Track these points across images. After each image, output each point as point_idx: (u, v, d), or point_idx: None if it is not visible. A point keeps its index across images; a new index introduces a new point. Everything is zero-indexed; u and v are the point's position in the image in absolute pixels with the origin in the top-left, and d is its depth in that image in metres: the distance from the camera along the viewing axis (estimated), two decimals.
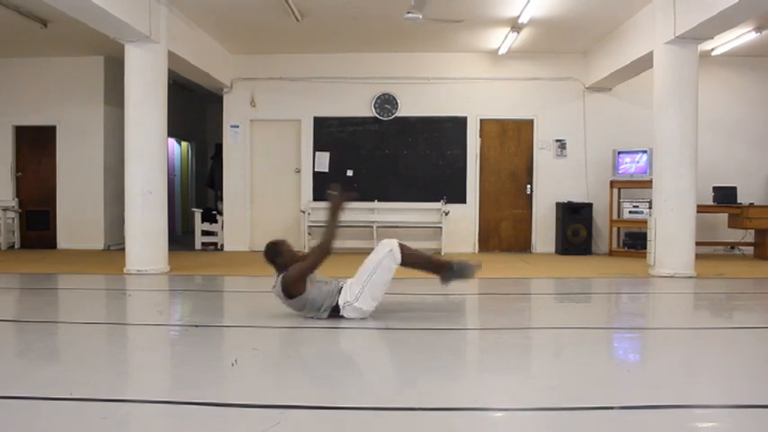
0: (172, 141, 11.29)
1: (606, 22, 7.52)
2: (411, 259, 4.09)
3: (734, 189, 8.34)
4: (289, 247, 4.13)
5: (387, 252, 4.00)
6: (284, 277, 3.94)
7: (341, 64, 9.16)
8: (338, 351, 3.63)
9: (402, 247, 4.05)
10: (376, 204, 9.08)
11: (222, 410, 2.46)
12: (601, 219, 8.90)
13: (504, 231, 9.27)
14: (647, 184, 7.47)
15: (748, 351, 3.60)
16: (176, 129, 9.50)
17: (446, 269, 4.18)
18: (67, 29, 7.27)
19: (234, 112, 9.31)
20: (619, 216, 8.62)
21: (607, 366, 3.32)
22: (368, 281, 3.97)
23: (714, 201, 8.32)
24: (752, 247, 8.56)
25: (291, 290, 3.94)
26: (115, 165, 8.71)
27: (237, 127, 9.31)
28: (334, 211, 3.97)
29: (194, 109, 12.17)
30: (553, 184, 9.03)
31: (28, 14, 6.96)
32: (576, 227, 8.71)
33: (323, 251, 3.90)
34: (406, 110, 9.16)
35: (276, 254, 4.08)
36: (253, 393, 2.70)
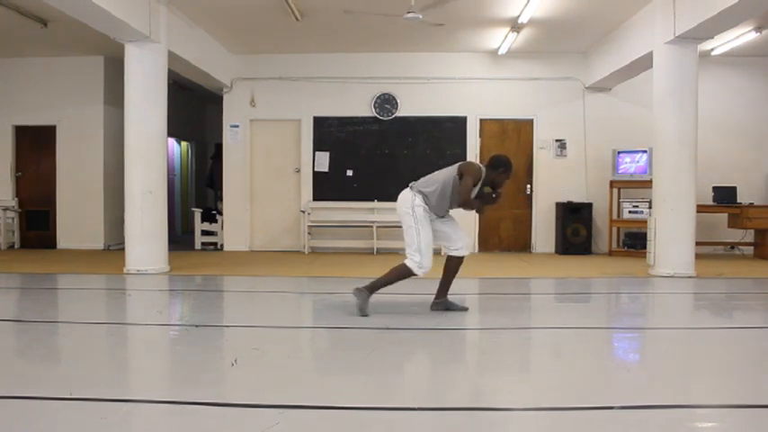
0: (172, 141, 11.28)
1: (606, 22, 7.51)
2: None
3: (734, 189, 8.34)
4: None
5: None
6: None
7: (341, 64, 9.15)
8: (338, 351, 3.63)
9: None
10: (376, 204, 9.06)
11: (222, 410, 2.47)
12: (601, 219, 8.90)
13: (504, 231, 9.26)
14: (647, 184, 7.47)
15: (748, 351, 3.61)
16: (176, 129, 9.49)
17: (442, 295, 4.46)
18: (67, 29, 7.26)
19: (234, 111, 9.30)
20: (619, 216, 8.61)
21: (607, 366, 3.32)
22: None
23: (714, 201, 8.31)
24: (752, 247, 8.57)
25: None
26: (115, 165, 8.70)
27: (237, 127, 9.30)
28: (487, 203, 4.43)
29: (194, 109, 12.17)
30: (553, 183, 9.02)
31: (28, 14, 6.96)
32: (575, 227, 8.71)
33: (470, 205, 4.29)
34: (405, 110, 9.15)
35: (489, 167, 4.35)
36: (253, 393, 2.70)
